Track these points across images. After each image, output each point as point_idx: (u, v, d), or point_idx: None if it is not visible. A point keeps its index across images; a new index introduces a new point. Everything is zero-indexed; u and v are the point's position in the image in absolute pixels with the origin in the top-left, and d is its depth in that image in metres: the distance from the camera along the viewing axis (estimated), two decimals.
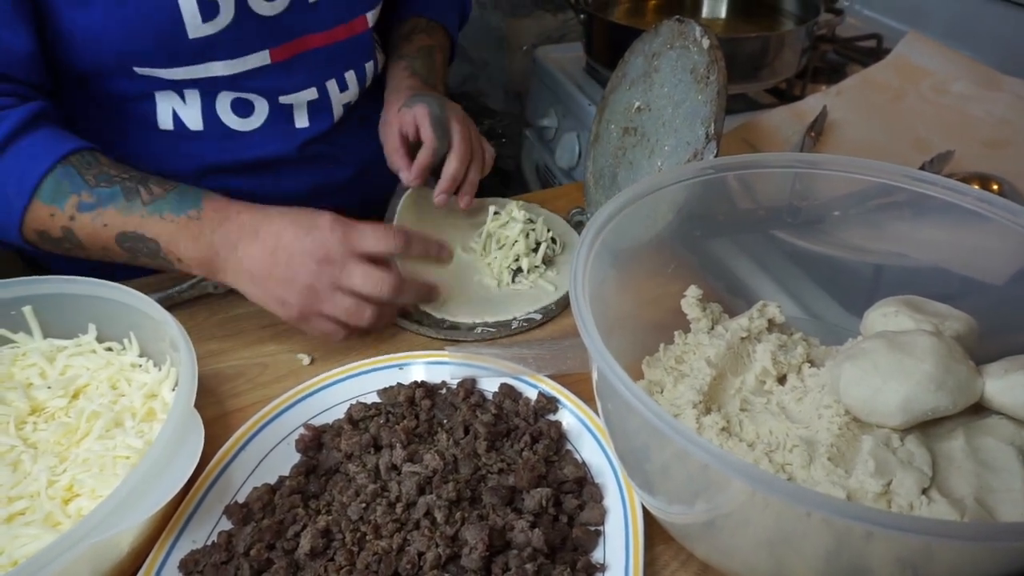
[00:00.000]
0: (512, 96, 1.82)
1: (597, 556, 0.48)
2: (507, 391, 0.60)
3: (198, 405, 0.50)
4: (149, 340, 0.59)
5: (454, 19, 0.97)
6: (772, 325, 0.56)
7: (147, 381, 0.57)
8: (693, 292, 0.58)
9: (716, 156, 0.61)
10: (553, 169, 1.30)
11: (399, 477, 0.51)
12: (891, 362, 0.45)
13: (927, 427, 0.46)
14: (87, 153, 0.63)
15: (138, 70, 0.69)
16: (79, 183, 0.61)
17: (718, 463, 0.35)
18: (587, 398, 0.58)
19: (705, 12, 1.27)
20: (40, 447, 0.53)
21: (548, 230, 0.79)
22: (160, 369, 0.58)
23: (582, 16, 1.14)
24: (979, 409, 0.47)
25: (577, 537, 0.49)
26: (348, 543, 0.47)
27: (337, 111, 0.83)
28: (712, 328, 0.57)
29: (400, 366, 0.63)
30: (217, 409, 0.61)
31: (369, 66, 0.86)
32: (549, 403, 0.59)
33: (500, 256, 0.76)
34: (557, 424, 0.57)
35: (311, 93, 0.79)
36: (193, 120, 0.75)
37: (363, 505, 0.49)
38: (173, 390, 0.56)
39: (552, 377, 0.61)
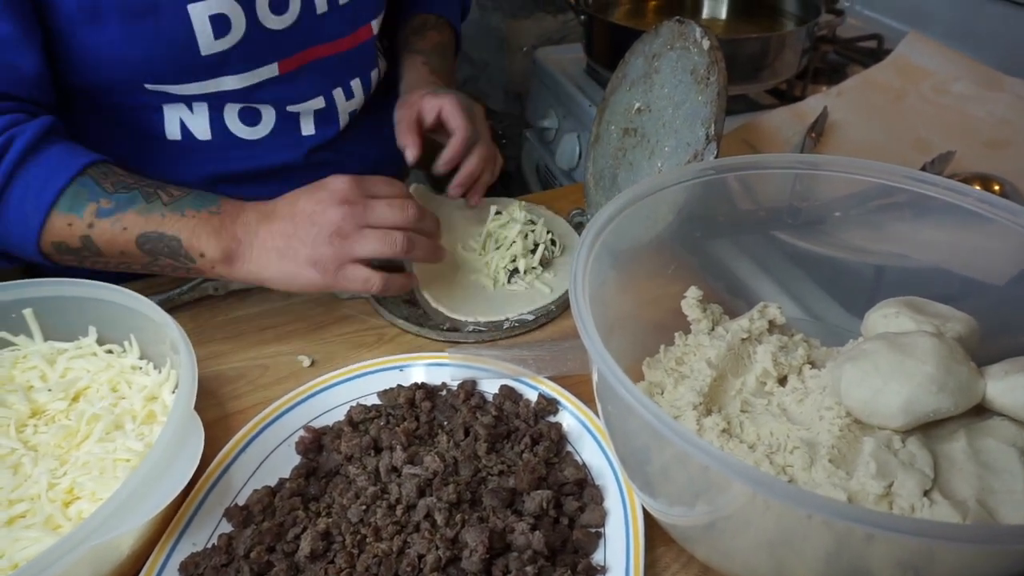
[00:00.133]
0: (512, 97, 1.82)
1: (598, 558, 0.48)
2: (507, 393, 0.60)
3: (198, 407, 0.50)
4: (149, 342, 0.59)
5: (457, 14, 0.98)
6: (773, 326, 0.56)
7: (147, 383, 0.57)
8: (693, 293, 0.57)
9: (716, 157, 0.61)
10: (553, 170, 1.30)
11: (399, 479, 0.51)
12: (892, 363, 0.45)
13: (928, 429, 0.46)
14: (102, 165, 0.63)
15: (149, 86, 0.70)
16: (97, 191, 0.61)
17: (719, 465, 0.35)
18: (587, 400, 0.58)
19: (705, 13, 1.26)
20: (40, 450, 0.53)
21: (548, 232, 0.79)
22: (160, 371, 0.58)
23: (582, 17, 1.14)
24: (981, 410, 0.47)
25: (578, 539, 0.49)
26: (348, 545, 0.47)
27: (343, 119, 0.84)
28: (712, 329, 0.57)
29: (400, 368, 0.63)
30: (218, 411, 0.61)
31: (374, 74, 0.87)
32: (549, 405, 0.59)
33: (497, 256, 0.76)
34: (557, 426, 0.57)
35: (318, 102, 0.81)
36: (201, 130, 0.76)
37: (363, 507, 0.49)
38: (173, 392, 0.56)
39: (552, 379, 0.60)
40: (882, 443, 0.45)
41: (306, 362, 0.66)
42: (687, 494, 0.43)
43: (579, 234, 0.82)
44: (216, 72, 0.71)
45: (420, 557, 0.46)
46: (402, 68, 0.88)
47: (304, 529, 0.49)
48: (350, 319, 0.71)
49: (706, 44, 0.64)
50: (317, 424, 0.58)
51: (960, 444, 0.45)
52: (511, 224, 0.78)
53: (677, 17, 0.70)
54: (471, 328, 0.69)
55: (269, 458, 0.55)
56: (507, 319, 0.70)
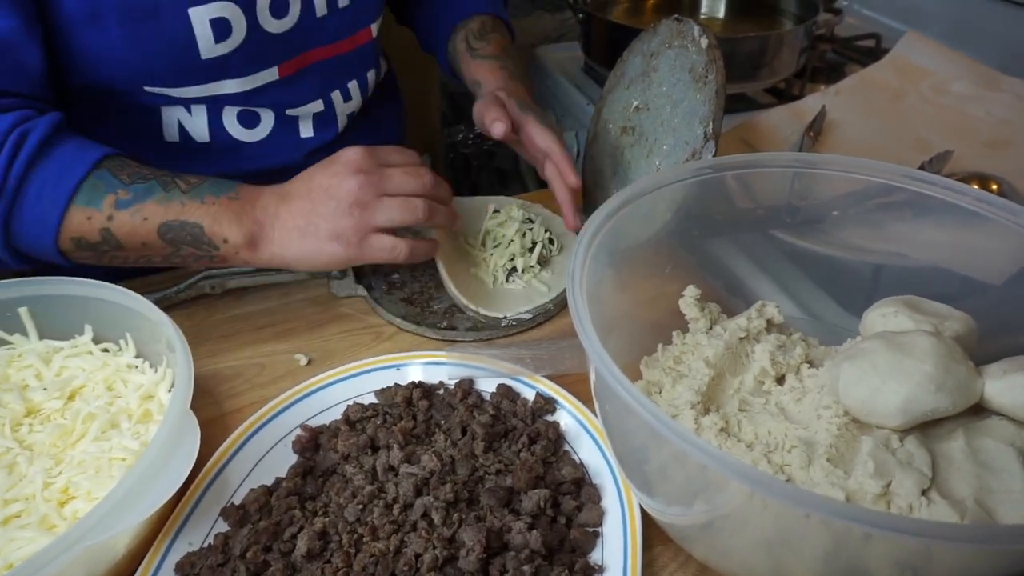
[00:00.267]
0: None
1: (595, 557, 0.48)
2: (505, 392, 0.60)
3: (195, 406, 0.50)
4: (145, 341, 0.59)
5: (504, 8, 0.96)
6: (771, 325, 0.56)
7: (143, 382, 0.57)
8: (691, 292, 0.57)
9: (714, 155, 0.61)
10: None
11: (396, 478, 0.51)
12: (890, 362, 0.45)
13: (927, 428, 0.46)
14: (116, 157, 0.62)
15: (148, 88, 0.69)
16: (115, 183, 0.60)
17: (716, 464, 0.35)
18: (585, 399, 0.58)
19: (704, 11, 1.26)
20: (36, 449, 0.52)
21: (546, 231, 0.79)
22: (156, 370, 0.58)
23: (580, 16, 1.14)
24: (979, 410, 0.47)
25: (575, 538, 0.49)
26: (345, 545, 0.47)
27: (341, 121, 0.84)
28: (710, 328, 0.57)
29: (397, 367, 0.62)
30: (214, 410, 0.61)
31: (371, 75, 0.86)
32: (547, 404, 0.58)
33: (496, 255, 0.75)
34: (555, 425, 0.57)
35: (317, 105, 0.81)
36: (199, 132, 0.76)
37: (360, 506, 0.49)
38: (169, 391, 0.56)
39: (550, 377, 0.60)
40: (880, 442, 0.44)
41: (303, 361, 0.66)
42: (685, 493, 0.43)
43: (577, 233, 0.82)
44: (216, 76, 0.71)
45: (417, 556, 0.46)
46: (475, 74, 0.84)
47: (301, 528, 0.48)
48: (347, 318, 0.71)
49: (704, 42, 0.64)
50: (314, 423, 0.58)
51: (958, 443, 0.45)
52: (509, 223, 0.78)
53: (675, 15, 0.69)
54: (468, 325, 0.69)
55: (265, 457, 0.55)
56: (505, 317, 0.69)
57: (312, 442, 0.56)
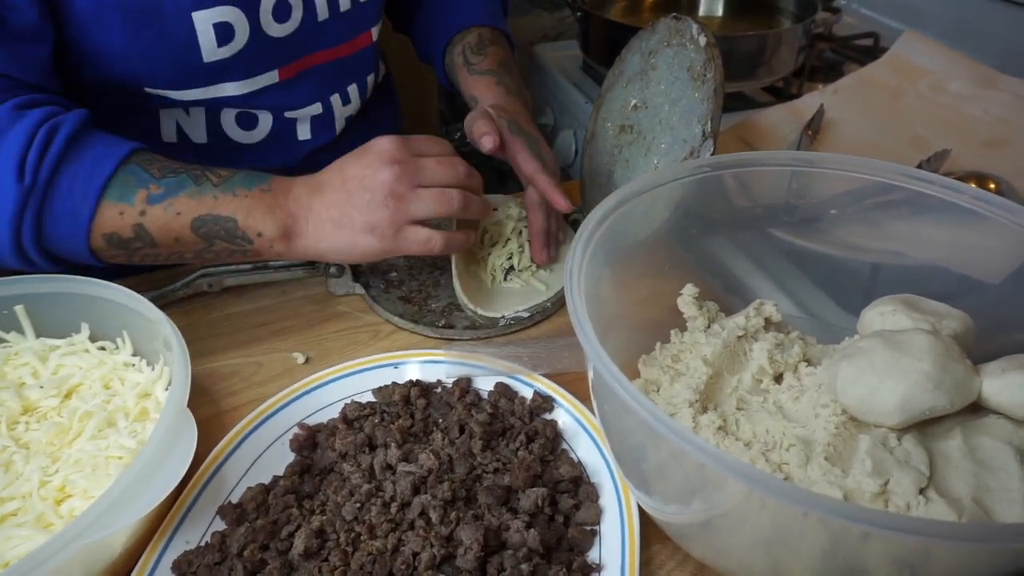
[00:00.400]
0: None
1: (593, 556, 0.48)
2: (503, 390, 0.60)
3: (192, 404, 0.50)
4: (142, 339, 0.59)
5: (504, 20, 0.94)
6: (769, 324, 0.56)
7: (140, 380, 0.57)
8: (689, 291, 0.57)
9: (713, 154, 0.61)
10: None
11: (394, 477, 0.51)
12: (888, 361, 0.45)
13: (924, 426, 0.46)
14: (144, 152, 0.61)
15: (148, 90, 0.69)
16: (145, 177, 0.59)
17: (714, 462, 0.35)
18: (583, 397, 0.58)
19: (702, 10, 1.26)
20: (32, 447, 0.52)
21: None
22: (153, 368, 0.58)
23: (579, 14, 1.13)
24: (976, 408, 0.47)
25: (573, 537, 0.49)
26: (342, 543, 0.47)
27: (339, 124, 0.84)
28: (709, 327, 0.57)
29: (395, 365, 0.62)
30: (211, 408, 0.61)
31: (370, 79, 0.87)
32: (545, 402, 0.58)
33: (493, 253, 0.75)
34: (553, 423, 0.57)
35: (316, 108, 0.80)
36: (198, 134, 0.75)
37: (358, 505, 0.49)
38: (166, 389, 0.56)
39: (548, 376, 0.60)
40: (878, 441, 0.44)
41: (300, 359, 0.65)
42: (683, 492, 0.43)
43: (575, 231, 0.81)
44: (217, 79, 0.71)
45: (415, 555, 0.46)
46: (472, 90, 0.83)
47: (298, 527, 0.48)
48: (345, 316, 0.71)
49: (703, 41, 0.64)
50: (311, 421, 0.58)
51: (956, 442, 0.45)
52: (506, 221, 0.78)
53: (674, 14, 0.69)
54: (466, 324, 0.69)
55: (263, 455, 0.55)
56: (503, 316, 0.69)
57: (309, 440, 0.56)
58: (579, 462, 0.54)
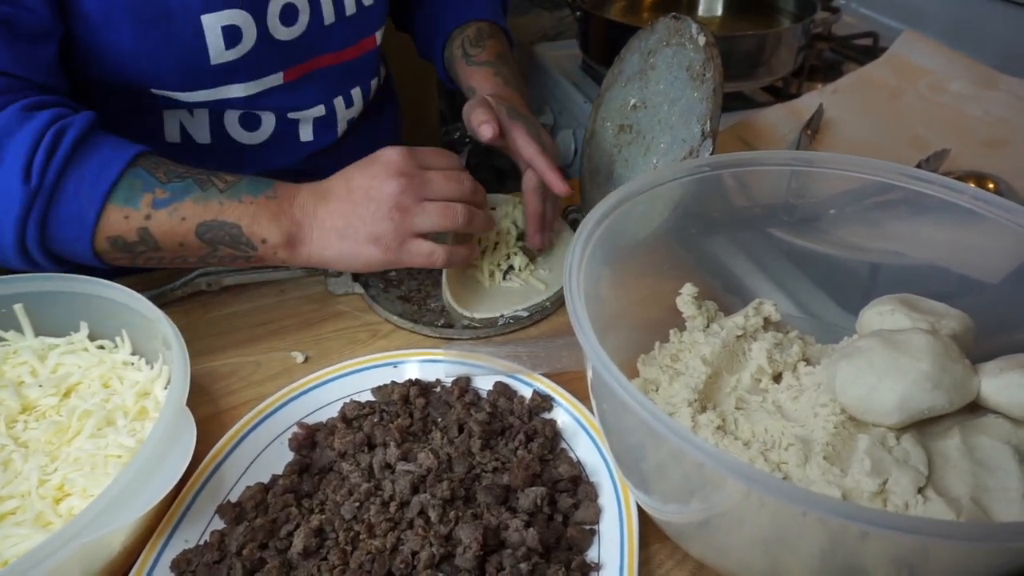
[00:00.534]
0: None
1: (592, 555, 0.48)
2: (502, 389, 0.60)
3: (191, 403, 0.50)
4: (141, 338, 0.59)
5: (503, 16, 0.95)
6: (768, 323, 0.56)
7: (139, 379, 0.57)
8: (689, 290, 0.57)
9: (712, 154, 0.61)
10: None
11: (393, 476, 0.51)
12: (887, 360, 0.45)
13: (923, 426, 0.46)
14: (151, 155, 0.61)
15: (154, 91, 0.69)
16: (151, 181, 0.59)
17: (713, 462, 0.35)
18: (582, 396, 0.58)
19: (701, 9, 1.26)
20: (31, 446, 0.52)
21: None
22: (152, 367, 0.58)
23: (578, 14, 1.13)
24: (975, 408, 0.47)
25: (572, 536, 0.49)
26: (341, 542, 0.47)
27: (341, 126, 0.85)
28: (708, 326, 0.57)
29: (394, 364, 0.62)
30: (210, 407, 0.60)
31: (374, 82, 0.87)
32: (544, 401, 0.58)
33: (488, 255, 0.75)
34: (552, 422, 0.57)
35: (319, 110, 0.81)
36: (201, 135, 0.75)
37: (357, 504, 0.49)
38: (166, 388, 0.56)
39: (547, 375, 0.60)
40: (877, 440, 0.44)
41: (299, 358, 0.65)
42: (682, 491, 0.43)
43: (574, 231, 0.81)
44: (223, 81, 0.71)
45: (414, 554, 0.46)
46: (470, 81, 0.83)
47: (297, 526, 0.48)
48: (344, 315, 0.71)
49: (702, 40, 0.64)
50: (310, 420, 0.58)
51: (954, 441, 0.45)
52: (504, 220, 0.78)
53: (673, 13, 0.69)
54: (465, 324, 0.69)
55: (262, 454, 0.55)
56: (502, 315, 0.69)
57: (309, 440, 0.56)
58: (578, 461, 0.54)
